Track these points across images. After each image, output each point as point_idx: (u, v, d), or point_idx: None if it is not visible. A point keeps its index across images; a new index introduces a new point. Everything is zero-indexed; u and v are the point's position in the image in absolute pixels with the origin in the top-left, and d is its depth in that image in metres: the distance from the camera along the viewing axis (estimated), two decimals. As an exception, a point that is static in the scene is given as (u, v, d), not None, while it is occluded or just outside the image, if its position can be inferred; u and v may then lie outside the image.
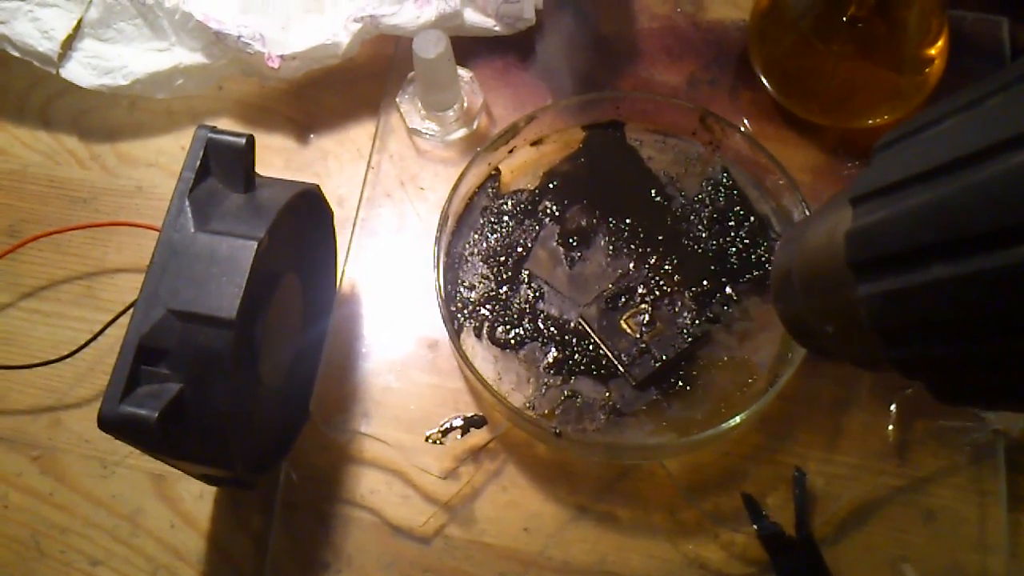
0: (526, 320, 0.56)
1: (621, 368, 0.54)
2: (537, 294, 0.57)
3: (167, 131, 0.65)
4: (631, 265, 0.57)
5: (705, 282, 0.56)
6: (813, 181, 0.60)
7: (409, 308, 0.58)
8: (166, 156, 0.64)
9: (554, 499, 0.53)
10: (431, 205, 0.61)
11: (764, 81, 0.62)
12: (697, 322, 0.55)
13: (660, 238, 0.58)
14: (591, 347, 0.55)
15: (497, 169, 0.61)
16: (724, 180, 0.59)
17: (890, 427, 0.53)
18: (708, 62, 0.65)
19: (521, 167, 0.61)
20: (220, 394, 0.43)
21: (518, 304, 0.57)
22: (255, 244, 0.44)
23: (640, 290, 0.56)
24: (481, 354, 0.56)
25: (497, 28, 0.63)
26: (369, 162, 0.62)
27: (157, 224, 0.45)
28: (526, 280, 0.57)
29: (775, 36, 0.61)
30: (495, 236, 0.59)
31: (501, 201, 0.60)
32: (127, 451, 0.55)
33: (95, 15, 0.63)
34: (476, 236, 0.59)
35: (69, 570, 0.54)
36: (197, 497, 0.55)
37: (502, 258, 0.58)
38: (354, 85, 0.65)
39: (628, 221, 0.58)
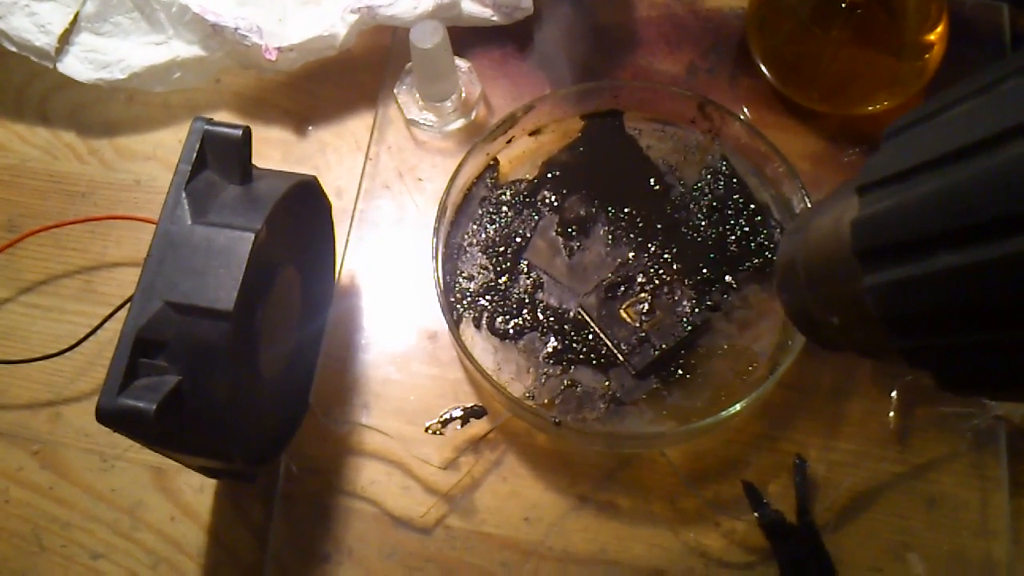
0: (525, 310, 0.56)
1: (621, 357, 0.54)
2: (536, 284, 0.57)
3: (165, 124, 0.65)
4: (630, 254, 0.57)
5: (704, 270, 0.56)
6: (813, 168, 0.60)
7: (408, 299, 0.58)
8: (164, 149, 0.64)
9: (554, 488, 0.53)
10: (429, 196, 0.61)
11: (763, 68, 0.62)
12: (697, 310, 0.55)
13: (659, 227, 0.58)
14: (590, 336, 0.55)
15: (496, 159, 0.60)
16: (723, 168, 0.59)
17: (891, 414, 0.53)
18: (707, 50, 0.65)
19: (520, 157, 0.61)
20: (218, 386, 0.43)
21: (517, 294, 0.56)
22: (252, 236, 0.44)
23: (639, 279, 0.56)
24: (480, 344, 0.56)
25: (495, 18, 0.63)
26: (367, 153, 0.62)
27: (155, 217, 0.45)
28: (525, 270, 0.57)
29: (774, 23, 0.61)
30: (494, 226, 0.59)
31: (500, 191, 0.60)
32: (127, 445, 0.55)
33: (92, 9, 0.63)
34: (475, 226, 0.59)
35: (70, 564, 0.54)
36: (197, 490, 0.55)
37: (501, 248, 0.58)
38: (352, 76, 0.65)
39: (627, 210, 0.58)
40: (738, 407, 0.50)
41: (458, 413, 0.53)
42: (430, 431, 0.53)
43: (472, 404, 0.54)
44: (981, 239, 0.26)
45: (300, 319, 0.54)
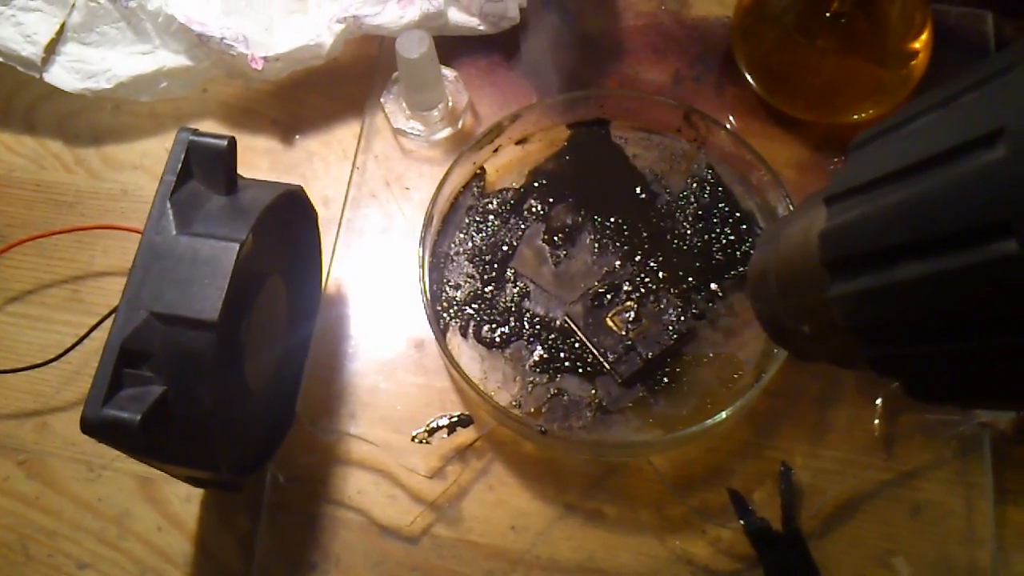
0: (512, 319, 0.56)
1: (607, 366, 0.54)
2: (523, 293, 0.57)
3: (152, 134, 0.65)
4: (616, 263, 0.57)
5: (690, 279, 0.56)
6: (798, 177, 0.60)
7: (395, 308, 0.58)
8: (151, 159, 0.64)
9: (541, 497, 0.53)
10: (416, 205, 0.61)
11: (748, 77, 0.62)
12: (682, 319, 0.55)
13: (645, 235, 0.58)
14: (577, 345, 0.55)
15: (482, 168, 0.61)
16: (709, 177, 0.59)
17: (876, 421, 0.53)
18: (693, 59, 0.65)
19: (506, 166, 0.61)
20: (204, 396, 0.43)
21: (504, 303, 0.57)
22: (237, 246, 0.44)
23: (625, 287, 0.56)
24: (467, 353, 0.56)
25: (481, 27, 0.63)
26: (354, 162, 0.62)
27: (142, 227, 0.45)
28: (512, 279, 0.57)
29: (759, 33, 0.61)
30: (480, 235, 0.59)
31: (486, 200, 0.60)
32: (114, 454, 0.55)
33: (78, 19, 0.63)
34: (461, 235, 0.59)
35: (56, 574, 0.54)
36: (184, 499, 0.55)
37: (487, 257, 0.58)
38: (338, 86, 0.65)
39: (613, 219, 0.58)
40: (724, 415, 0.50)
41: (445, 422, 0.53)
42: (417, 440, 0.53)
43: (459, 413, 0.54)
44: (943, 250, 0.26)
45: (286, 328, 0.54)
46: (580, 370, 0.54)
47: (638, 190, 0.59)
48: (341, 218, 0.60)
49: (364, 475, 0.54)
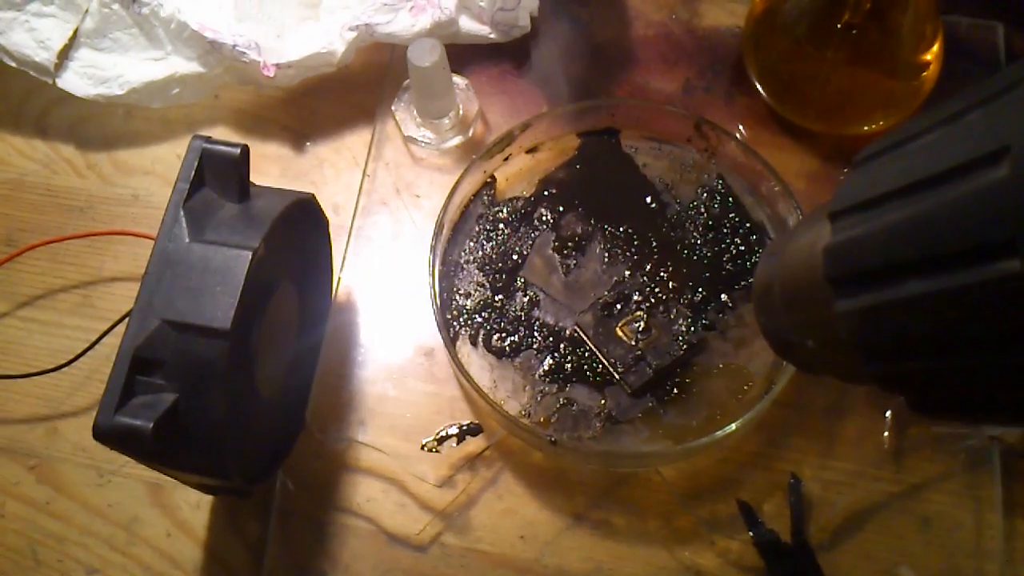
0: (522, 328, 0.56)
1: (616, 376, 0.54)
2: (533, 302, 0.57)
3: (164, 140, 0.65)
4: (626, 272, 0.57)
5: (700, 289, 0.56)
6: (808, 187, 0.60)
7: (405, 316, 0.58)
8: (163, 164, 0.65)
9: (550, 507, 0.53)
10: (427, 213, 0.61)
11: (759, 88, 0.62)
12: (692, 329, 0.55)
13: (655, 245, 0.58)
14: (586, 355, 0.55)
15: (493, 176, 0.61)
16: (719, 187, 0.59)
17: (886, 433, 0.53)
18: (703, 69, 0.65)
19: (517, 174, 0.61)
20: (215, 404, 0.43)
21: (514, 312, 0.57)
22: (250, 254, 0.44)
23: (635, 297, 0.56)
24: (477, 362, 0.56)
25: (492, 36, 0.64)
26: (365, 170, 0.62)
27: (153, 233, 0.45)
28: (522, 288, 0.57)
29: (770, 42, 0.61)
30: (491, 244, 0.59)
31: (497, 209, 0.60)
32: (124, 460, 0.55)
33: (91, 25, 0.63)
34: (472, 244, 0.59)
35: (66, 579, 0.54)
36: (194, 506, 0.55)
37: (498, 266, 0.58)
38: (350, 93, 0.66)
39: (623, 228, 0.59)
40: (734, 426, 0.50)
41: (454, 431, 0.53)
42: (426, 448, 0.53)
43: (468, 422, 0.54)
44: (947, 268, 0.26)
45: (297, 336, 0.55)
46: (590, 380, 0.55)
47: (648, 200, 0.59)
48: (351, 225, 0.60)
49: (373, 483, 0.54)
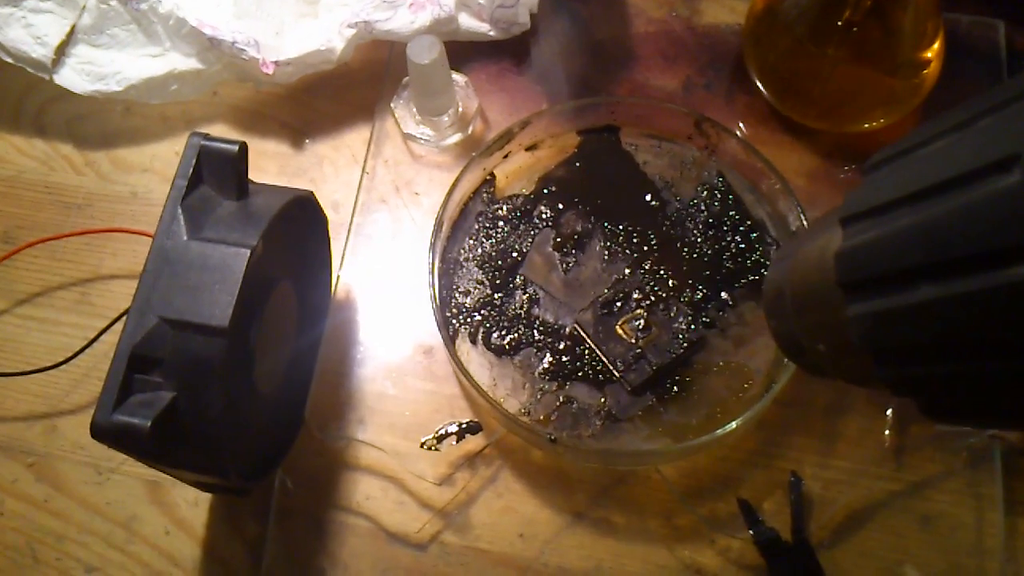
0: (521, 326, 0.56)
1: (616, 374, 0.54)
2: (532, 299, 0.57)
3: (162, 137, 0.65)
4: (626, 270, 0.57)
5: (700, 287, 0.56)
6: (808, 185, 0.60)
7: (404, 314, 0.58)
8: (161, 161, 0.64)
9: (550, 505, 0.53)
10: (426, 210, 0.61)
11: (759, 85, 0.62)
12: (692, 327, 0.55)
13: (655, 243, 0.58)
14: (586, 353, 0.55)
15: (492, 174, 0.61)
16: (719, 185, 0.59)
17: (887, 431, 0.53)
18: (703, 66, 0.65)
19: (516, 172, 0.61)
20: (214, 402, 0.43)
21: (513, 309, 0.57)
22: (248, 252, 0.44)
23: (635, 295, 0.56)
24: (476, 360, 0.56)
25: (492, 33, 0.63)
26: (364, 167, 0.62)
27: (151, 230, 0.45)
28: (521, 285, 0.57)
29: (770, 40, 0.61)
30: (490, 241, 0.59)
31: (496, 206, 0.60)
32: (122, 458, 0.55)
33: (88, 21, 0.63)
34: (471, 241, 0.59)
35: (64, 578, 0.54)
36: (192, 504, 0.55)
37: (497, 263, 0.58)
38: (349, 90, 0.65)
39: (623, 226, 0.58)
40: (734, 425, 0.50)
41: (453, 429, 0.53)
42: (425, 447, 0.53)
43: (468, 420, 0.53)
44: (960, 272, 0.26)
45: (295, 334, 0.54)
46: (590, 378, 0.54)
47: (648, 197, 0.59)
48: (350, 223, 0.60)
49: (372, 481, 0.54)
